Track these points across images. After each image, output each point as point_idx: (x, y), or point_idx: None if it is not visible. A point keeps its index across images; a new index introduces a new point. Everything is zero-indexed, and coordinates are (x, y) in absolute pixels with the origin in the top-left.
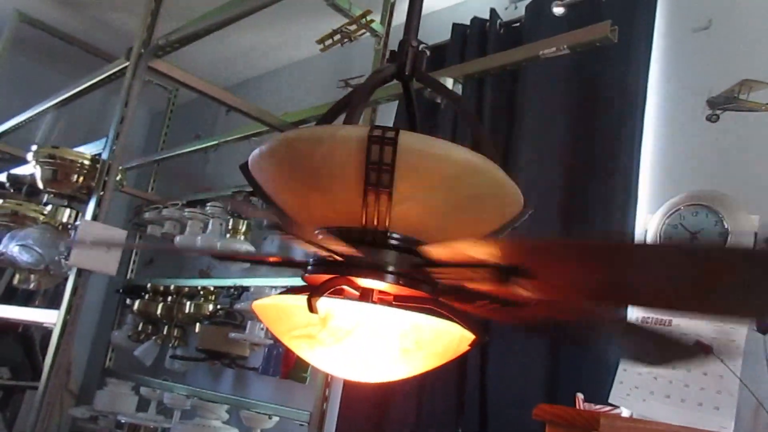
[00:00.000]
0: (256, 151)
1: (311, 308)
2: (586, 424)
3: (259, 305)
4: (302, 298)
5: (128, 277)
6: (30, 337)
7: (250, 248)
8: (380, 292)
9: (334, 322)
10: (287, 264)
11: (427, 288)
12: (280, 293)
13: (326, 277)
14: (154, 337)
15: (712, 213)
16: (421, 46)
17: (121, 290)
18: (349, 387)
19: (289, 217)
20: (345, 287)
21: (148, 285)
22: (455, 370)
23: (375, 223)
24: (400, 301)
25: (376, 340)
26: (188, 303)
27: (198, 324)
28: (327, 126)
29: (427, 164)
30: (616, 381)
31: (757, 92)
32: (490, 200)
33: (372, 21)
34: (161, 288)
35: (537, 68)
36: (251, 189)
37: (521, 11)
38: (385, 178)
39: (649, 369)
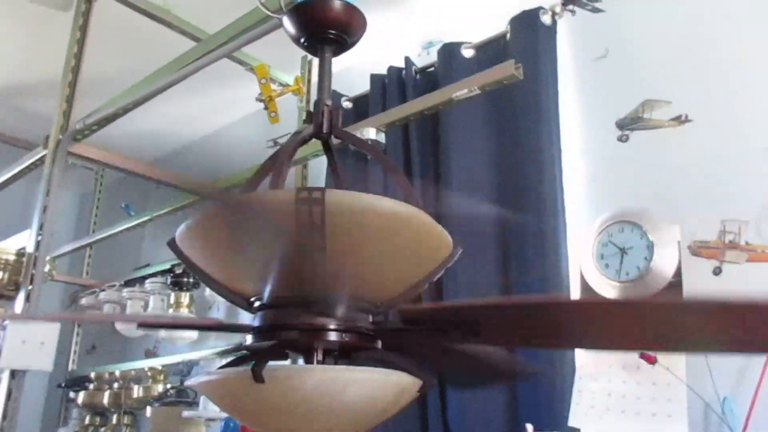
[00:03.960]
0: (182, 227)
1: (257, 378)
2: None
3: (203, 384)
4: (246, 370)
5: (69, 368)
6: None
7: None
8: (324, 350)
9: (281, 389)
10: (227, 328)
11: (370, 339)
12: (222, 367)
13: (268, 344)
14: (102, 429)
15: (637, 227)
16: (343, 99)
17: (63, 384)
18: None
19: (225, 288)
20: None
21: (92, 374)
22: (416, 410)
23: (311, 283)
24: (345, 356)
25: (326, 402)
26: (136, 387)
27: (149, 407)
28: (252, 193)
29: (355, 219)
30: (572, 403)
31: (658, 110)
32: (420, 246)
33: (266, 72)
34: (106, 375)
35: (456, 108)
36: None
37: (434, 56)
38: (316, 238)
39: (602, 386)
